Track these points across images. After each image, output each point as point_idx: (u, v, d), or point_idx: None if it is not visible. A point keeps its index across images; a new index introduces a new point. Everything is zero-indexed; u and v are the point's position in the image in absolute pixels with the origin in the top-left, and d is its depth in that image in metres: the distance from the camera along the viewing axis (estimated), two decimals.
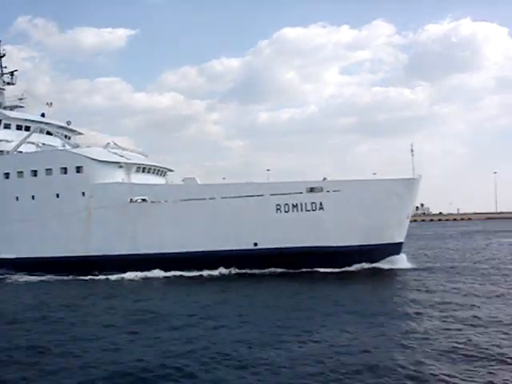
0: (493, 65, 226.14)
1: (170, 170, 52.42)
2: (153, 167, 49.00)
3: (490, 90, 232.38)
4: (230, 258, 40.86)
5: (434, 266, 44.35)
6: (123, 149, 50.27)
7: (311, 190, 41.65)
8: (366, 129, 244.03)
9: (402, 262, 41.92)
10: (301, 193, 41.69)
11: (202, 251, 41.27)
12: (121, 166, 45.79)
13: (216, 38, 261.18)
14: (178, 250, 41.41)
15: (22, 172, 46.24)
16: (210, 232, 41.66)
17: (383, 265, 41.48)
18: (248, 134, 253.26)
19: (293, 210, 41.60)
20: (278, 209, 41.74)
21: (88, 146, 47.39)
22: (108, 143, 49.38)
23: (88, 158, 44.52)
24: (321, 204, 41.33)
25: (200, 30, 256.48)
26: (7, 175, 46.89)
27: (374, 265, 41.49)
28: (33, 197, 45.68)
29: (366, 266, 41.38)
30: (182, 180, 44.84)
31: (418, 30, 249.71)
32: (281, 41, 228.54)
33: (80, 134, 56.67)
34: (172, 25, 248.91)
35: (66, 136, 53.35)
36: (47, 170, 45.37)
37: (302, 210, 41.51)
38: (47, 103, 54.18)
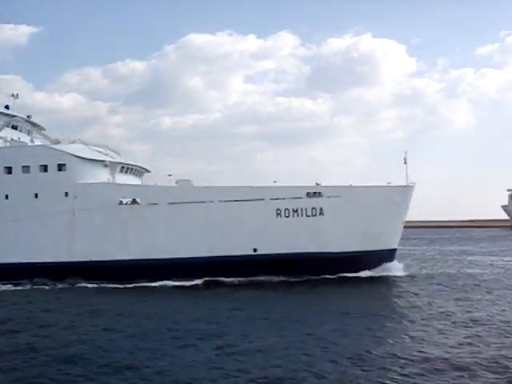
0: (390, 80, 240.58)
1: (147, 171, 49.63)
2: (135, 167, 46.10)
3: (387, 104, 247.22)
4: (229, 264, 39.15)
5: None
6: (93, 146, 46.59)
7: (311, 194, 40.93)
8: (268, 137, 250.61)
9: (397, 269, 42.18)
10: (301, 197, 40.88)
11: (199, 257, 39.25)
12: (106, 165, 42.65)
13: (121, 39, 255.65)
14: (172, 256, 39.12)
15: None
16: (207, 237, 39.72)
17: (379, 273, 41.44)
18: (151, 138, 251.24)
19: (293, 215, 40.67)
20: (278, 213, 40.62)
21: (72, 142, 43.52)
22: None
23: (71, 155, 41.07)
24: (321, 209, 40.71)
25: (105, 31, 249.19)
26: None
27: (371, 273, 41.37)
28: (6, 196, 41.43)
29: (362, 274, 41.18)
30: (176, 182, 42.38)
31: (322, 43, 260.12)
32: (187, 46, 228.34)
33: (43, 129, 52.32)
34: (77, 24, 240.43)
35: (28, 131, 49.00)
36: (24, 167, 41.33)
37: (302, 215, 40.69)
38: (12, 94, 49.36)
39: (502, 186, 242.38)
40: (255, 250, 40.11)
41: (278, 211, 40.59)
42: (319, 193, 40.94)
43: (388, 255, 42.06)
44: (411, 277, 41.62)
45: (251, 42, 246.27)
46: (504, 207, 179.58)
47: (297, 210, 40.67)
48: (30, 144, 45.17)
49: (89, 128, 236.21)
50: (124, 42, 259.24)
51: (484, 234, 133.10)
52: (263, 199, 40.70)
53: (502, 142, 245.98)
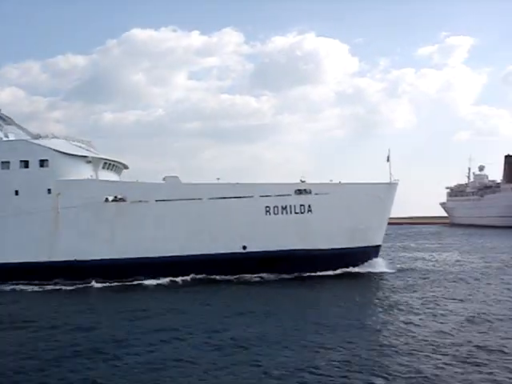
0: (333, 79, 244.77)
1: (126, 167, 48.30)
2: (115, 163, 44.79)
3: (330, 102, 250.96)
4: (218, 261, 38.76)
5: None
6: (73, 141, 44.98)
7: (300, 192, 40.97)
8: (212, 134, 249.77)
9: (380, 265, 42.79)
10: (289, 195, 40.85)
11: (188, 255, 38.66)
12: (89, 161, 41.30)
13: (63, 33, 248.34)
14: (161, 255, 38.42)
15: None
16: (196, 235, 39.17)
17: (363, 269, 41.89)
18: (92, 134, 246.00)
19: (282, 213, 40.58)
20: (267, 211, 40.46)
21: (54, 137, 41.74)
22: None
23: (54, 150, 39.55)
24: (309, 206, 40.80)
25: (46, 24, 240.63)
26: None
27: (356, 269, 41.78)
28: None
29: (347, 270, 41.55)
30: (163, 178, 41.46)
31: (266, 40, 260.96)
32: (130, 41, 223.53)
33: (13, 122, 49.88)
34: (17, 17, 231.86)
35: None
36: (3, 162, 39.50)
37: (291, 212, 40.67)
38: None
39: (440, 184, 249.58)
40: (244, 248, 39.85)
41: (267, 208, 40.43)
42: (308, 190, 41.04)
43: (373, 251, 42.65)
44: (397, 272, 42.33)
45: (195, 39, 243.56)
46: (442, 204, 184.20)
47: (286, 208, 40.62)
48: (4, 139, 43.07)
49: (27, 124, 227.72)
50: (65, 36, 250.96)
51: (426, 231, 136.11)
52: (252, 196, 40.45)
53: (441, 141, 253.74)
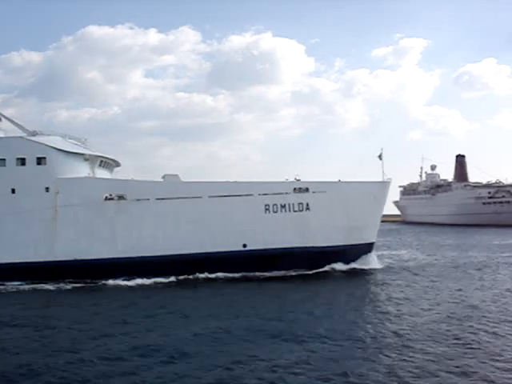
0: (289, 79, 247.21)
1: (118, 165, 47.66)
2: (110, 160, 44.24)
3: (286, 102, 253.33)
4: (219, 260, 38.96)
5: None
6: (69, 138, 43.66)
7: (298, 190, 41.54)
8: (168, 133, 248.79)
9: (375, 261, 43.86)
10: (288, 193, 41.35)
11: (190, 254, 38.72)
12: (86, 159, 40.67)
13: (16, 29, 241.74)
14: (162, 253, 38.32)
15: None
16: (197, 233, 39.23)
17: (360, 265, 42.86)
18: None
19: (281, 211, 41.08)
20: (266, 209, 40.86)
21: (50, 134, 40.82)
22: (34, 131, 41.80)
23: (52, 147, 38.74)
24: (307, 205, 41.43)
25: None
26: None
27: (350, 265, 42.70)
28: None
29: (342, 266, 42.40)
30: (163, 177, 41.22)
31: (223, 39, 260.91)
32: (86, 38, 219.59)
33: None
34: None
35: None
36: None
37: (289, 210, 41.20)
38: None
39: (394, 183, 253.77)
40: (245, 246, 40.17)
41: (267, 207, 40.83)
42: (306, 188, 41.65)
43: (368, 248, 43.68)
44: (387, 268, 43.57)
45: (152, 36, 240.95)
46: (395, 203, 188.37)
47: (284, 206, 41.12)
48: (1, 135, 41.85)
49: None
50: (19, 32, 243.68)
51: (384, 228, 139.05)
52: (252, 195, 40.77)
53: (395, 141, 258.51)
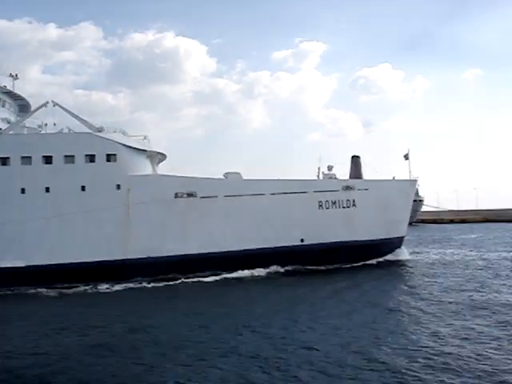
0: (191, 79, 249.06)
1: (165, 159, 46.47)
2: (162, 155, 43.98)
3: (188, 102, 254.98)
4: (281, 255, 40.73)
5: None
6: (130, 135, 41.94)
7: (346, 188, 44.24)
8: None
9: (406, 253, 47.80)
10: (338, 190, 43.94)
11: (256, 249, 40.08)
12: (148, 156, 40.36)
13: None
14: (230, 249, 39.35)
15: (28, 158, 36.66)
16: (261, 229, 40.62)
17: (396, 257, 46.61)
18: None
19: (332, 207, 43.55)
20: (320, 205, 43.13)
21: (114, 131, 39.65)
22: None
23: (121, 144, 38.05)
24: (354, 201, 44.31)
25: None
26: (4, 161, 36.52)
27: (388, 257, 46.35)
28: (47, 189, 36.79)
29: (381, 258, 45.92)
30: (224, 175, 41.84)
31: (124, 37, 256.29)
32: None
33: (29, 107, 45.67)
34: None
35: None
36: (67, 156, 37.06)
37: (339, 206, 43.81)
38: None
39: None
40: (302, 241, 42.19)
41: (320, 203, 43.13)
42: (352, 186, 44.47)
43: (400, 241, 47.51)
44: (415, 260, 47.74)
45: (51, 32, 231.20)
46: None
47: (335, 202, 43.67)
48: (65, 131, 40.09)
49: None
50: None
51: None
52: (307, 192, 42.83)
53: (295, 142, 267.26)
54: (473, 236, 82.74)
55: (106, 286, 35.21)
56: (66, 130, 39.30)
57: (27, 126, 40.38)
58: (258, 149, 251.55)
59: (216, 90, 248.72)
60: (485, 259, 47.29)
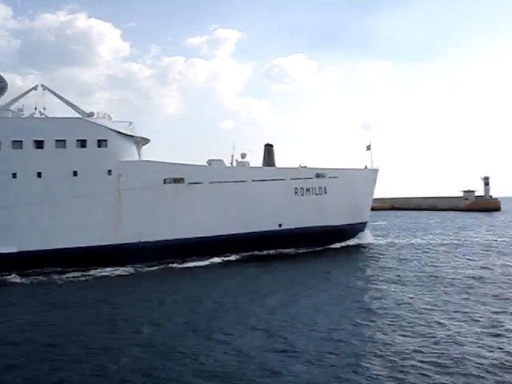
0: (104, 62, 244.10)
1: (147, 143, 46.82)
2: (145, 140, 44.30)
3: (100, 86, 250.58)
4: (261, 239, 42.87)
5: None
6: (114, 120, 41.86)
7: (318, 175, 46.95)
8: None
9: (369, 237, 51.56)
10: (311, 178, 46.57)
11: (239, 233, 41.92)
12: (135, 141, 40.77)
13: None
14: (214, 234, 40.93)
15: (19, 142, 36.00)
16: (244, 214, 42.43)
17: (360, 241, 50.21)
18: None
19: (306, 194, 46.14)
20: (295, 192, 45.58)
21: (103, 116, 39.47)
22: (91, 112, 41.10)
23: (111, 130, 38.23)
24: (325, 188, 47.15)
25: None
26: None
27: (351, 241, 49.86)
28: (39, 174, 36.40)
29: (347, 242, 49.37)
30: (208, 161, 42.96)
31: (35, 17, 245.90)
32: None
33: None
34: None
35: None
36: (58, 141, 36.76)
37: (312, 193, 46.47)
38: None
39: None
40: (280, 226, 44.52)
41: (296, 190, 45.56)
42: (323, 174, 47.25)
43: (364, 226, 51.16)
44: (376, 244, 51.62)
45: None
46: None
47: (309, 189, 46.26)
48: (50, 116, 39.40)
49: None
50: None
51: None
52: (284, 179, 45.10)
53: (209, 129, 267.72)
54: (383, 223, 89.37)
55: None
56: (37, 115, 38.84)
57: (11, 109, 39.34)
58: (171, 135, 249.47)
59: (129, 74, 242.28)
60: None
